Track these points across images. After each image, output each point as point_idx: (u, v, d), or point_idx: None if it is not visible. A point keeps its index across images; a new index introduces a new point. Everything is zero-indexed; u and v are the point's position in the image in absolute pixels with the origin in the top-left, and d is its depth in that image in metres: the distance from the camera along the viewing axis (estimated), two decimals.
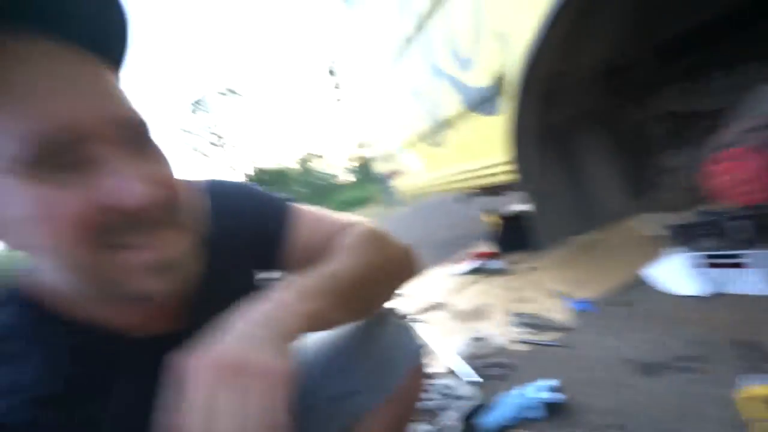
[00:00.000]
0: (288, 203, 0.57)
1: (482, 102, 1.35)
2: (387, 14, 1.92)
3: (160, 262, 0.34)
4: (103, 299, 0.37)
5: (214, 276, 0.46)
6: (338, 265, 0.48)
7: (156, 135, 0.37)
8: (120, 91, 0.35)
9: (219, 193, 0.53)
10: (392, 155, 2.65)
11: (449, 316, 1.74)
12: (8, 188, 0.30)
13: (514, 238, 2.18)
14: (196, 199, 0.40)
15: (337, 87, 3.32)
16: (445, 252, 2.74)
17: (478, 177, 1.62)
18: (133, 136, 0.34)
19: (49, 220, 0.30)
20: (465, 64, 1.38)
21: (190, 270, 0.38)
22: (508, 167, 1.34)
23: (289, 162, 25.28)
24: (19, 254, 0.37)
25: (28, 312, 0.37)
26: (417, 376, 0.62)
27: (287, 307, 0.38)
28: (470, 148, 1.60)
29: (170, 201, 0.35)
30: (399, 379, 0.58)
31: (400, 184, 2.67)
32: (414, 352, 0.61)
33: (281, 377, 0.33)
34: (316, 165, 25.75)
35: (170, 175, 0.37)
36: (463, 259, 2.32)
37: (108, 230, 0.32)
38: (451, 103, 1.58)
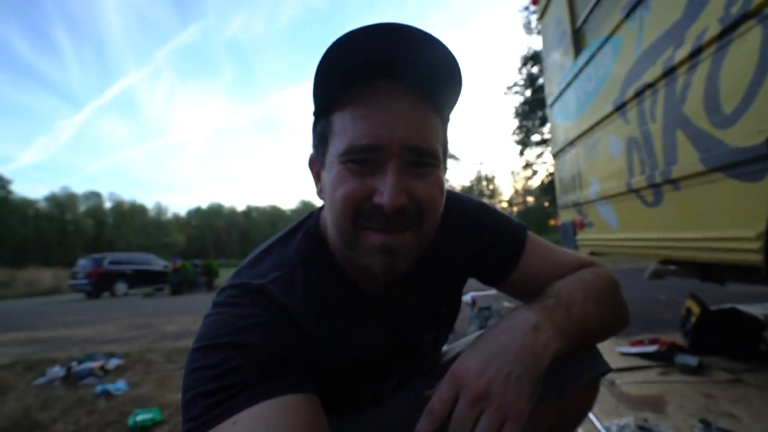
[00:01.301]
0: (525, 230, 0.64)
1: (740, 164, 1.15)
2: (615, 59, 1.84)
3: (385, 248, 0.45)
4: (352, 261, 0.51)
5: (430, 266, 0.59)
6: (588, 307, 0.52)
7: (439, 163, 0.47)
8: (426, 126, 0.46)
9: (467, 206, 0.63)
10: (583, 204, 2.46)
11: (609, 392, 1.51)
12: (332, 170, 0.46)
13: (716, 337, 1.76)
14: (439, 212, 0.50)
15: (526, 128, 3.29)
16: None
17: (701, 249, 1.38)
18: (413, 157, 0.45)
19: (337, 192, 0.45)
20: (725, 119, 1.21)
21: (407, 260, 0.48)
22: (754, 245, 1.10)
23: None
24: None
25: (322, 265, 0.54)
26: (591, 391, 0.61)
27: (547, 347, 0.45)
28: (700, 214, 1.38)
29: (413, 210, 0.45)
30: (573, 388, 0.57)
31: (585, 237, 2.45)
32: (594, 368, 0.59)
33: (515, 414, 0.41)
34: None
35: (425, 193, 0.46)
36: (641, 341, 1.96)
37: (364, 215, 0.45)
38: (689, 161, 1.40)
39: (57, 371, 2.65)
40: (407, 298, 0.59)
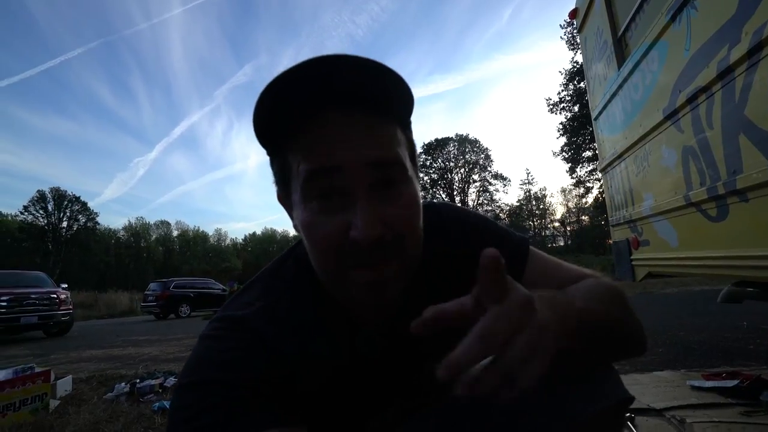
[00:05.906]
0: (527, 243, 0.59)
1: None
2: (662, 65, 1.71)
3: (372, 283, 0.43)
4: (342, 295, 0.50)
5: (425, 286, 0.55)
6: (591, 303, 0.46)
7: (407, 172, 0.45)
8: (382, 135, 0.43)
9: (465, 220, 0.59)
10: (637, 221, 2.27)
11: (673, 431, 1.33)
12: (299, 209, 0.45)
13: None
14: (420, 230, 0.47)
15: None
16: (688, 357, 2.10)
17: None
18: (379, 174, 0.42)
19: (312, 234, 0.43)
20: None
21: (396, 288, 0.46)
22: None
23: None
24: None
25: (311, 291, 0.52)
26: (611, 425, 0.49)
27: (570, 303, 0.41)
28: None
29: (392, 238, 0.42)
30: (584, 417, 0.44)
31: (641, 256, 2.24)
32: (611, 393, 0.47)
33: (549, 344, 0.32)
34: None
35: (401, 216, 0.43)
36: (718, 375, 1.72)
37: (345, 254, 0.42)
38: (757, 169, 1.25)
39: (123, 387, 2.87)
40: (403, 321, 0.56)
